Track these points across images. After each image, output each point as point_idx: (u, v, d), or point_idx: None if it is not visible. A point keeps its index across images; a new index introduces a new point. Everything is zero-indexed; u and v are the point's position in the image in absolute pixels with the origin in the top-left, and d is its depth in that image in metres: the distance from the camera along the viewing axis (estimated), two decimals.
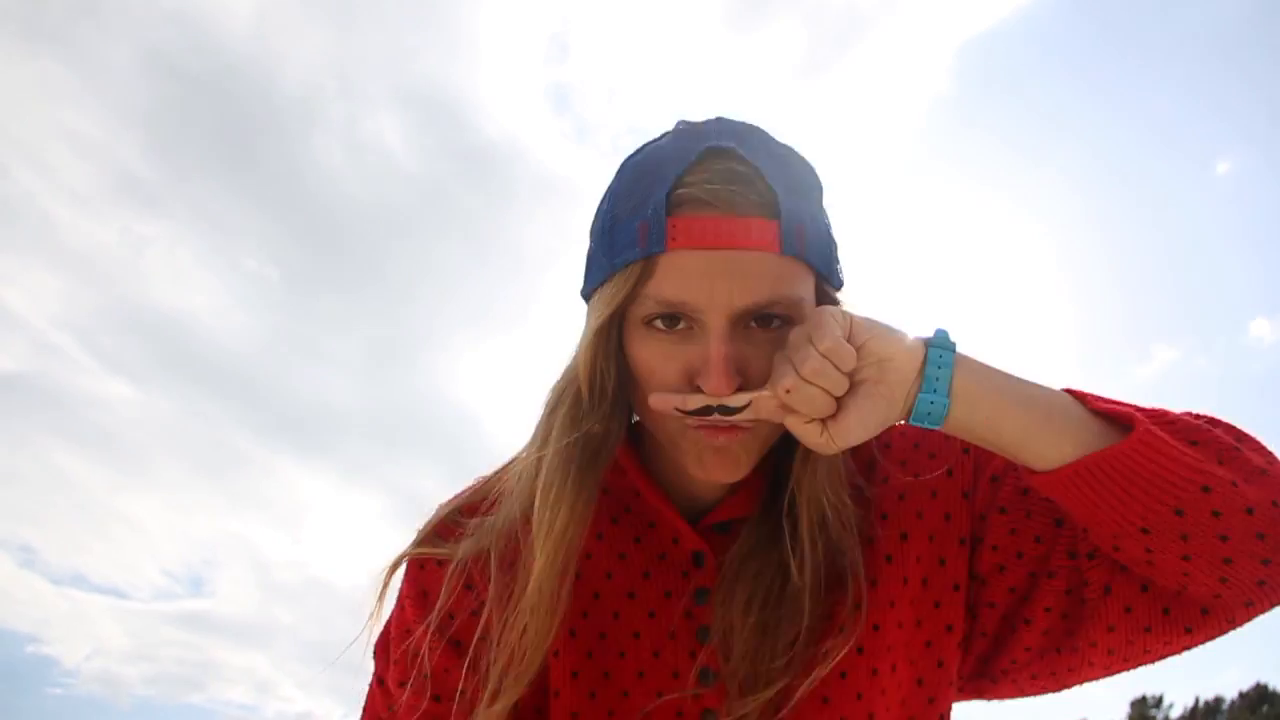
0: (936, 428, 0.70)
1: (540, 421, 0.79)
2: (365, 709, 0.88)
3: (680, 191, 0.68)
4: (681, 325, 0.70)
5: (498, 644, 0.77)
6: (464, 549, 0.82)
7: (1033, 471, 0.71)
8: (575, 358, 0.77)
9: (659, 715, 0.80)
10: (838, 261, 0.75)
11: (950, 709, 0.84)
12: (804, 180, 0.73)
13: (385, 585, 0.83)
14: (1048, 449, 0.69)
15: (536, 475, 0.76)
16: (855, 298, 0.77)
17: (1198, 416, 0.71)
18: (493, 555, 0.80)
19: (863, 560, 0.79)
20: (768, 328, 0.70)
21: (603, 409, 0.75)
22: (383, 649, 0.87)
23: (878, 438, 0.84)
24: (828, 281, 0.74)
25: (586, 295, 0.77)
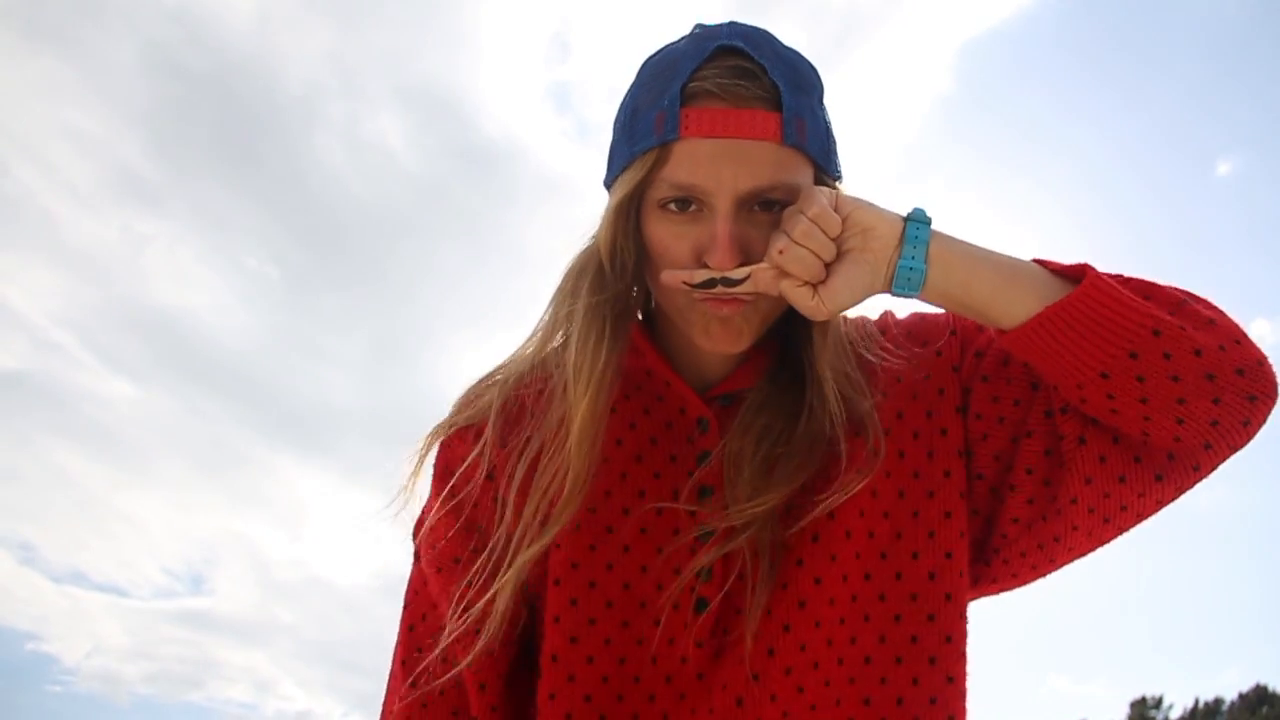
0: (916, 293, 0.77)
1: (564, 287, 0.86)
2: (408, 587, 0.93)
3: (693, 85, 0.76)
4: (692, 208, 0.78)
5: (528, 489, 0.84)
6: (480, 409, 0.90)
7: (1003, 333, 0.78)
8: (596, 237, 0.84)
9: (658, 569, 0.85)
10: (835, 156, 0.83)
11: (963, 593, 0.85)
12: (806, 79, 0.80)
13: (420, 460, 0.90)
14: (1014, 305, 0.76)
15: (570, 325, 0.83)
16: (849, 189, 0.84)
17: (1157, 281, 0.78)
18: (494, 411, 0.88)
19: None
20: (769, 211, 0.78)
21: (624, 281, 0.83)
22: (418, 529, 0.93)
23: (874, 326, 0.93)
24: (825, 173, 0.82)
25: (609, 184, 0.85)
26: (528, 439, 0.87)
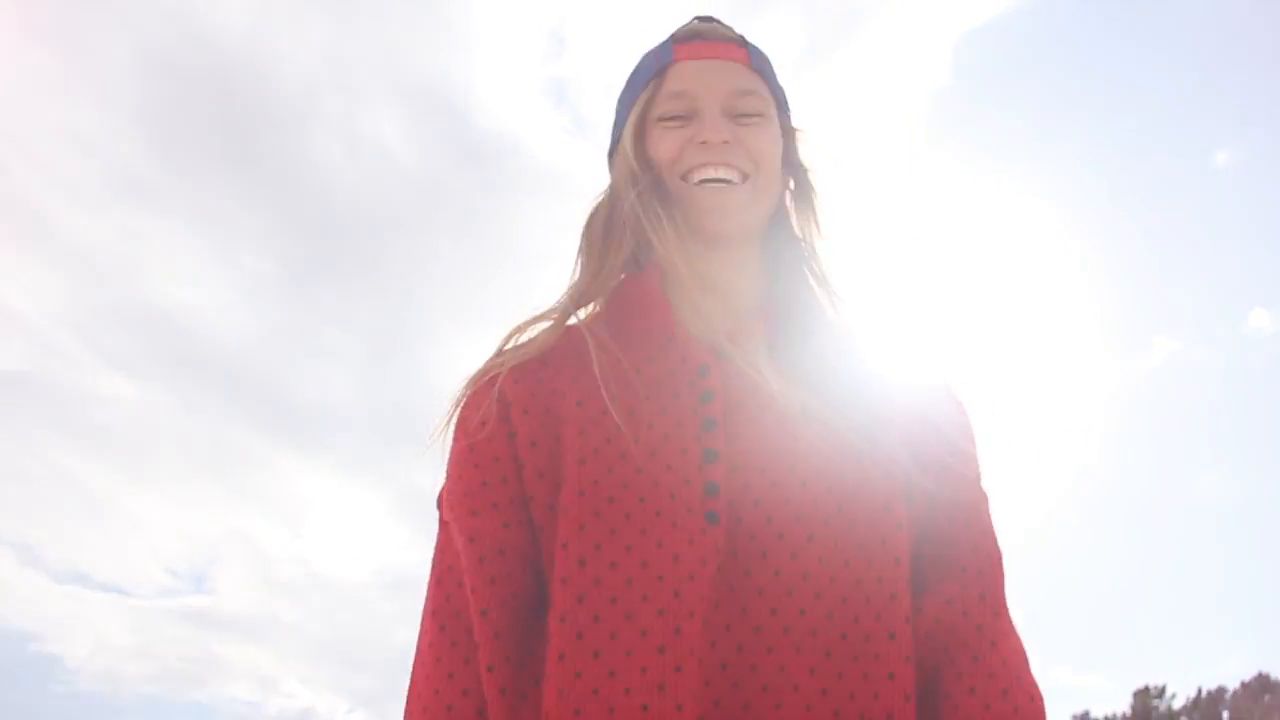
0: None
1: (614, 190, 1.01)
2: (435, 547, 0.95)
3: (680, 31, 1.02)
4: (684, 119, 0.97)
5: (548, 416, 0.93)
6: (518, 351, 0.97)
7: None
8: (623, 157, 1.01)
9: (670, 483, 0.88)
10: (789, 109, 1.06)
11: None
12: (762, 50, 1.04)
13: (451, 413, 0.95)
14: None
15: (636, 212, 0.96)
16: (811, 135, 1.06)
17: None
18: (519, 354, 0.96)
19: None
20: (749, 119, 0.98)
21: (655, 174, 0.98)
22: (442, 497, 0.97)
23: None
24: (784, 113, 1.04)
25: (612, 149, 1.04)
26: (556, 371, 0.95)
